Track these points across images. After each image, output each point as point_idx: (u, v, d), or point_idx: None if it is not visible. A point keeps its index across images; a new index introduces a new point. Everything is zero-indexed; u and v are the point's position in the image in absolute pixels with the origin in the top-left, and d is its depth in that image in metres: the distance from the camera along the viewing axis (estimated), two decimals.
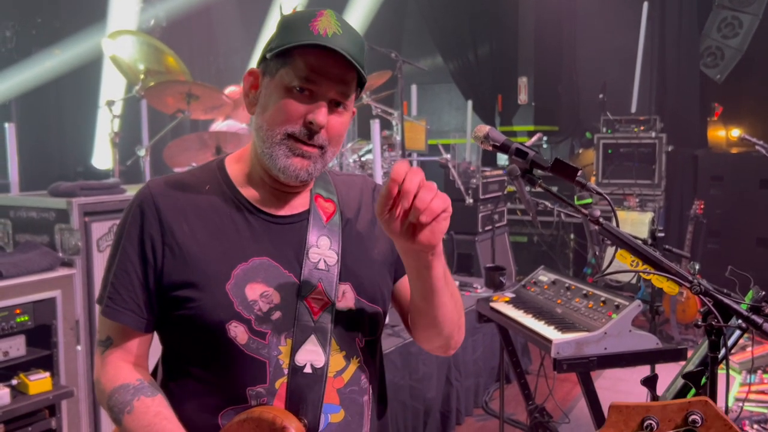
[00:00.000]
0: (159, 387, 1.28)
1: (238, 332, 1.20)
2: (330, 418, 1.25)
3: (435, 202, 1.06)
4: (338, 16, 1.25)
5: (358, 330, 1.31)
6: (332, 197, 1.37)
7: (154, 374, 1.35)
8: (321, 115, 1.21)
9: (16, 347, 2.43)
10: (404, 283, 1.40)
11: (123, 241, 1.26)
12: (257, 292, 1.22)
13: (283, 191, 1.31)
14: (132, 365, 1.28)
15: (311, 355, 1.23)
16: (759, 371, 4.33)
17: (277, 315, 1.23)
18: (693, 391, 1.57)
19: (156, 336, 1.33)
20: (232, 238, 1.25)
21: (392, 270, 1.40)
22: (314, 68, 1.20)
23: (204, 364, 1.24)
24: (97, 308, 1.30)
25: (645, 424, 1.02)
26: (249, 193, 1.31)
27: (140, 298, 1.25)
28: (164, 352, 1.33)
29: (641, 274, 1.60)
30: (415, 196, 1.05)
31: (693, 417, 1.01)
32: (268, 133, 1.23)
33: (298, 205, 1.33)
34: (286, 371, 1.22)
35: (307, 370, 1.22)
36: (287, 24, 1.25)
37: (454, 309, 1.31)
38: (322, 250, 1.29)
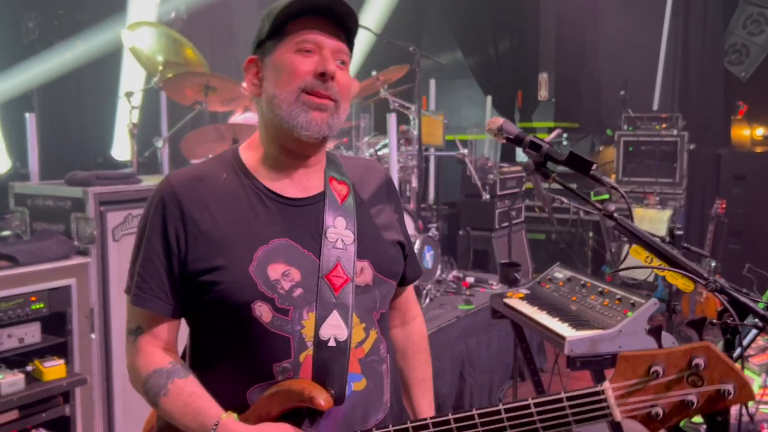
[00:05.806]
0: (189, 369, 1.33)
1: (262, 311, 1.25)
2: (353, 387, 1.30)
3: None
4: None
5: (376, 303, 1.36)
6: (345, 179, 1.41)
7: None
8: (330, 63, 1.28)
9: (32, 334, 2.46)
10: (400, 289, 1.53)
11: (147, 233, 1.31)
12: (279, 272, 1.26)
13: (298, 168, 1.35)
14: (162, 350, 1.32)
15: (334, 329, 1.27)
16: None
17: (298, 292, 1.27)
18: None
19: (183, 325, 1.37)
20: (251, 223, 1.30)
21: (402, 251, 1.46)
22: (310, 30, 1.27)
23: (230, 345, 1.28)
24: (126, 299, 1.35)
25: (651, 371, 1.07)
26: (264, 178, 1.34)
27: (167, 286, 1.29)
28: (191, 339, 1.38)
29: (656, 270, 1.57)
30: None
31: (696, 361, 1.05)
32: (282, 96, 1.28)
33: (313, 187, 1.37)
34: (309, 344, 1.26)
35: (331, 343, 1.26)
36: (269, 9, 1.31)
37: None
38: (339, 230, 1.34)
